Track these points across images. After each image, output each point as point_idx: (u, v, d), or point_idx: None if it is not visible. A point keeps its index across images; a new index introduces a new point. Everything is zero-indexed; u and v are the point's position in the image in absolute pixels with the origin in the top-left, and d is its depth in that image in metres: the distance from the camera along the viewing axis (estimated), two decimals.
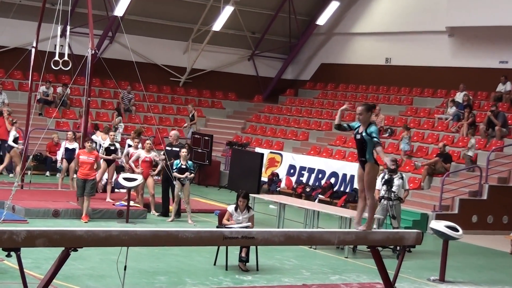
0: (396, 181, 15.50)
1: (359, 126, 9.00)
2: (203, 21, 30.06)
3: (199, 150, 24.94)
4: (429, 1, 27.63)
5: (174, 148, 17.90)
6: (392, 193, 15.29)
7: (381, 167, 16.88)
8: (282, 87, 32.74)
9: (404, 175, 16.13)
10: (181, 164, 16.81)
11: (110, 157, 18.01)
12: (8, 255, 7.48)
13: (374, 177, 9.12)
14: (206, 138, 24.94)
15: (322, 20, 31.05)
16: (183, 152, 17.11)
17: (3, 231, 7.32)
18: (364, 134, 8.89)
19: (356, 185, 20.74)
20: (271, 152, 24.85)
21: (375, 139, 8.84)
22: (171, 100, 30.50)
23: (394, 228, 14.89)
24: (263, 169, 22.99)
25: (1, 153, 22.42)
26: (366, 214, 9.28)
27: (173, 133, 18.67)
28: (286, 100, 31.65)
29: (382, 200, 15.34)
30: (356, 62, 30.47)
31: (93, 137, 20.99)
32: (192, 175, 17.14)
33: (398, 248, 13.99)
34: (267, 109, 31.04)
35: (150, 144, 17.90)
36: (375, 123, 9.15)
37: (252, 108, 31.89)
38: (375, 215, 15.42)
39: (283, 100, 31.79)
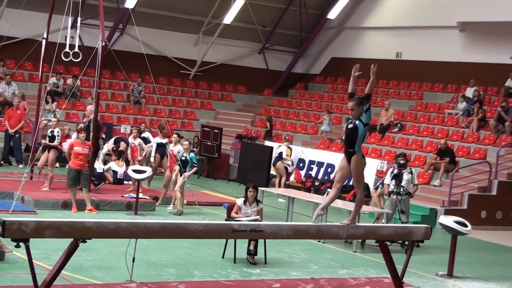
0: (405, 176, 15.49)
1: (352, 119, 8.88)
2: (214, 14, 30.04)
3: (209, 143, 24.97)
4: None
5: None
6: (401, 188, 15.29)
7: (391, 164, 16.91)
8: (292, 81, 32.71)
9: (413, 170, 16.12)
10: (182, 156, 16.80)
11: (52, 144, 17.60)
12: (17, 246, 7.52)
13: (362, 170, 8.98)
14: (216, 131, 24.95)
15: (333, 14, 30.97)
16: (186, 144, 17.10)
17: (12, 222, 7.35)
18: (357, 122, 8.75)
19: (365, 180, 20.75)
20: (279, 146, 24.78)
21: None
22: (181, 93, 30.51)
23: (402, 222, 14.89)
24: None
25: (11, 144, 22.48)
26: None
27: (90, 107, 18.29)
28: (296, 93, 31.61)
29: (391, 194, 15.34)
30: (367, 56, 30.35)
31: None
32: (195, 169, 17.13)
33: (406, 242, 13.98)
34: (277, 102, 31.02)
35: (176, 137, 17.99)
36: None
37: (262, 101, 31.88)
38: (383, 210, 15.55)
39: (293, 94, 31.76)
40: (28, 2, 25.27)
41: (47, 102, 24.23)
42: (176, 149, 17.54)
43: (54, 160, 17.76)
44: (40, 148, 17.90)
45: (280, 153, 22.92)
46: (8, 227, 7.31)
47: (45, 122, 22.78)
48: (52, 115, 23.17)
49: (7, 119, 22.46)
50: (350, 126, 8.82)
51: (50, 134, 17.74)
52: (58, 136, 17.74)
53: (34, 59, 24.33)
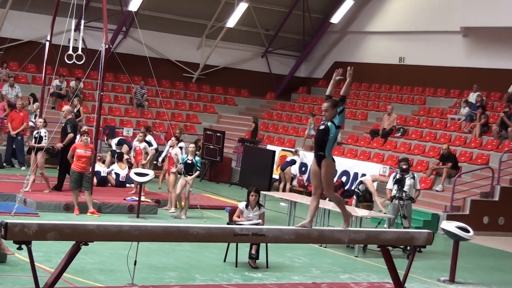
0: (408, 181, 15.46)
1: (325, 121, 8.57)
2: (217, 17, 30.07)
3: (211, 147, 24.97)
4: (444, 1, 27.53)
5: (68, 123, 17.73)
6: (404, 193, 15.26)
7: (394, 169, 16.88)
8: (295, 85, 32.72)
9: (416, 175, 16.09)
10: (187, 159, 16.82)
11: (39, 145, 17.22)
12: (19, 248, 7.51)
13: (332, 175, 8.73)
14: (218, 134, 24.96)
15: (336, 18, 30.99)
16: (191, 147, 17.14)
17: (14, 224, 7.34)
18: (329, 124, 8.45)
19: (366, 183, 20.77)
20: (282, 150, 24.82)
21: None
22: (184, 96, 30.54)
23: (404, 228, 14.86)
24: (275, 167, 22.99)
25: (14, 147, 22.47)
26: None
27: (66, 108, 18.30)
28: (299, 97, 31.61)
29: (394, 199, 15.32)
30: (370, 61, 30.41)
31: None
32: (198, 172, 17.14)
33: (408, 248, 13.97)
34: (279, 106, 31.02)
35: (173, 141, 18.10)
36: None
37: (265, 105, 31.89)
38: (386, 215, 15.53)
39: (296, 98, 31.76)
40: (32, 4, 25.30)
41: (29, 103, 24.18)
42: (174, 151, 17.66)
43: (43, 162, 17.33)
44: (43, 150, 17.88)
45: (293, 160, 22.87)
46: (11, 229, 7.29)
47: (31, 124, 22.75)
48: (33, 116, 23.21)
49: (10, 121, 22.46)
50: (322, 127, 8.51)
51: (36, 135, 17.52)
52: (45, 137, 17.39)
53: (38, 61, 24.33)
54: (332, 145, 8.49)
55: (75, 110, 23.83)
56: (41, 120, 18.05)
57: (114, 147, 21.29)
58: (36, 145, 17.22)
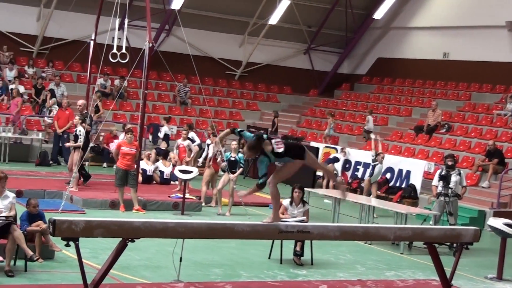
0: (454, 178, 15.30)
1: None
2: (259, 14, 30.07)
3: None
4: None
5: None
6: (449, 190, 15.11)
7: (439, 166, 16.71)
8: (338, 81, 32.58)
9: (462, 172, 15.92)
10: (231, 156, 16.89)
11: (74, 144, 17.17)
12: (67, 245, 7.59)
13: (290, 170, 9.10)
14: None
15: (379, 14, 30.80)
16: (234, 144, 17.21)
17: (62, 221, 7.43)
18: (262, 157, 9.07)
19: (411, 180, 20.64)
20: (326, 146, 24.73)
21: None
22: (227, 93, 30.61)
23: (450, 224, 14.73)
24: None
25: (60, 145, 22.71)
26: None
27: (81, 101, 18.32)
28: (342, 94, 31.48)
29: (439, 196, 15.18)
30: (413, 56, 30.15)
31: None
32: (241, 169, 17.19)
33: (454, 245, 13.82)
34: (322, 103, 30.92)
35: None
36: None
37: (308, 102, 31.81)
38: (431, 211, 15.38)
39: (339, 95, 31.64)
40: (76, 4, 25.55)
41: (45, 99, 24.45)
42: (211, 149, 17.87)
43: (78, 160, 16.76)
44: (88, 148, 18.03)
45: (336, 158, 22.85)
46: (59, 226, 7.39)
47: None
48: (48, 111, 23.46)
49: (56, 120, 22.70)
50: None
51: (74, 133, 17.54)
52: (80, 135, 17.20)
53: (82, 60, 24.60)
54: (265, 166, 9.07)
55: (94, 105, 23.86)
56: (77, 117, 18.06)
57: (162, 134, 21.54)
58: (73, 144, 17.26)
